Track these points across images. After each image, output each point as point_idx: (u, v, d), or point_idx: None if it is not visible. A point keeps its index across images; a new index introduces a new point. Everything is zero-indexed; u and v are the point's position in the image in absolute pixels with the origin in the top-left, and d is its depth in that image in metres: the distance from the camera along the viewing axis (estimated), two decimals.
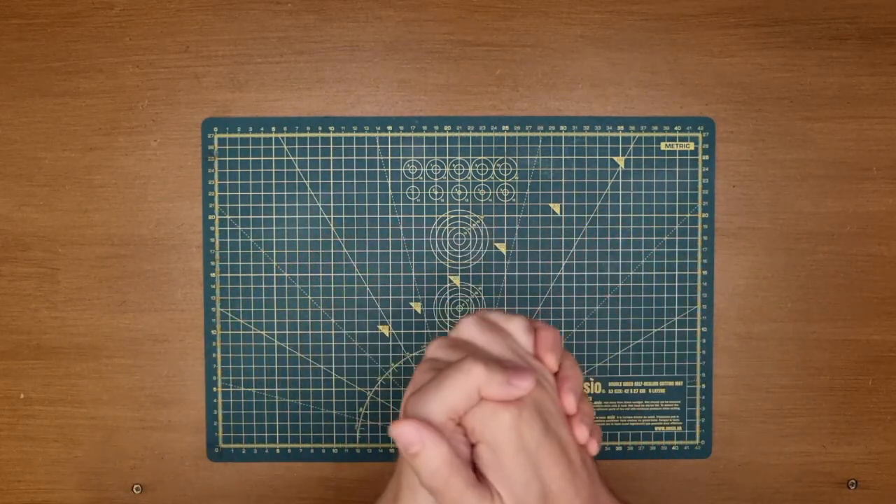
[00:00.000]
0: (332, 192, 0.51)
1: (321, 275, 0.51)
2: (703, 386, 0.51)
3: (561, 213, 0.51)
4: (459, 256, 0.51)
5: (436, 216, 0.51)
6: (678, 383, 0.51)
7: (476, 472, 0.30)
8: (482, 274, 0.51)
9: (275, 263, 0.51)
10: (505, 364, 0.30)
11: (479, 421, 0.29)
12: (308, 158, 0.51)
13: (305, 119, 0.51)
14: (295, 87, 0.51)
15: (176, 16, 0.50)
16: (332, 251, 0.51)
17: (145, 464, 0.51)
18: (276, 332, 0.51)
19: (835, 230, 0.51)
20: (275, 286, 0.51)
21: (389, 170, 0.51)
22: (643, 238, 0.51)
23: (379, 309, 0.51)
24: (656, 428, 0.52)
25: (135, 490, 0.51)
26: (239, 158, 0.51)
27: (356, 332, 0.51)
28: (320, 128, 0.51)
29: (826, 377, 0.52)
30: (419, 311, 0.51)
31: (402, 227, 0.51)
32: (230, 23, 0.50)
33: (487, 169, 0.51)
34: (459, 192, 0.51)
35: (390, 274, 0.51)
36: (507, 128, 0.51)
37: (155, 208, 0.51)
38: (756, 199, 0.51)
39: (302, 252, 0.51)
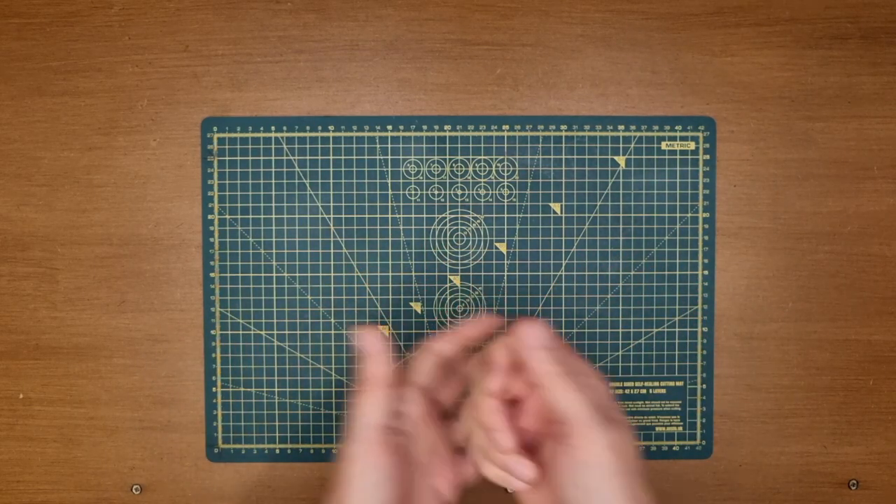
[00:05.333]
0: (332, 192, 0.51)
1: (321, 275, 0.51)
2: (704, 386, 0.51)
3: (561, 212, 0.51)
4: (459, 256, 0.51)
5: (436, 216, 0.51)
6: (679, 383, 0.51)
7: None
8: (482, 274, 0.51)
9: (274, 263, 0.51)
10: None
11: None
12: (308, 158, 0.51)
13: (305, 118, 0.50)
14: (295, 86, 0.50)
15: (175, 15, 0.50)
16: (331, 251, 0.51)
17: (144, 464, 0.51)
18: (275, 332, 0.51)
19: (836, 230, 0.51)
20: (274, 286, 0.51)
21: (389, 169, 0.51)
22: (643, 238, 0.51)
23: (379, 309, 0.51)
24: (657, 428, 0.52)
25: (134, 490, 0.51)
26: (238, 158, 0.50)
27: (356, 332, 0.51)
28: (320, 127, 0.50)
29: (827, 377, 0.52)
30: (419, 311, 0.51)
31: (402, 227, 0.51)
32: (230, 22, 0.50)
33: (487, 168, 0.51)
34: (459, 192, 0.51)
35: (390, 274, 0.51)
36: (507, 127, 0.51)
37: (154, 208, 0.51)
38: (757, 198, 0.51)
39: (302, 252, 0.51)
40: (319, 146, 0.51)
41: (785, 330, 0.51)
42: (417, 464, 0.36)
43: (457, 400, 0.40)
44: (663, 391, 0.51)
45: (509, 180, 0.51)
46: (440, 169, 0.51)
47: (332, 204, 0.51)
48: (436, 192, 0.51)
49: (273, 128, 0.50)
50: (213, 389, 0.51)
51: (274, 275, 0.51)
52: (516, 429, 0.34)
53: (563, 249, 0.51)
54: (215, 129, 0.50)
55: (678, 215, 0.51)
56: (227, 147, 0.50)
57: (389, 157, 0.51)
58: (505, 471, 0.33)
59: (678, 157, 0.51)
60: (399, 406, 0.36)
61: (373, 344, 0.34)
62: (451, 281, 0.51)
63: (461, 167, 0.51)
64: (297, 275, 0.51)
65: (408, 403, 0.37)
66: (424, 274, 0.51)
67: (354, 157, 0.51)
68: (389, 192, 0.51)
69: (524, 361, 0.33)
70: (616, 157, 0.51)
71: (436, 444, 0.37)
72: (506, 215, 0.51)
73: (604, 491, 0.30)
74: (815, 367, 0.52)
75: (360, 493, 0.33)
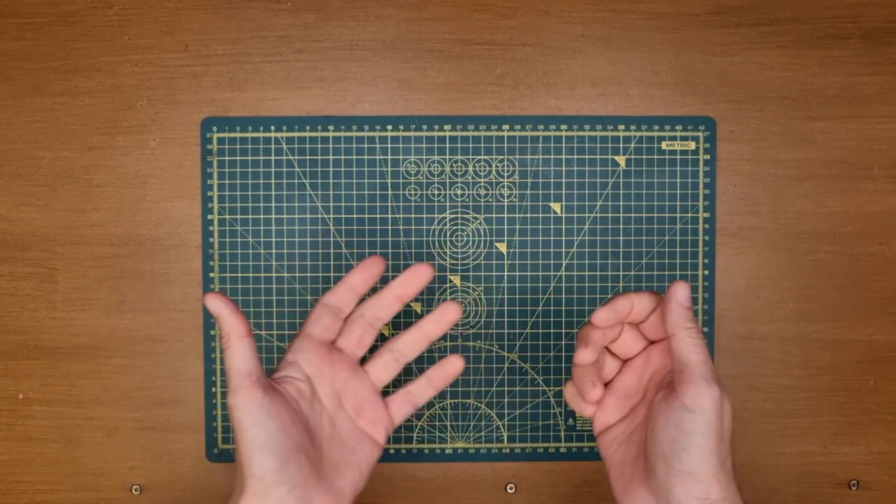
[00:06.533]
0: (331, 192, 0.51)
1: (321, 275, 0.51)
2: None
3: (561, 212, 0.51)
4: (459, 256, 0.51)
5: (436, 216, 0.51)
6: None
7: None
8: (482, 274, 0.51)
9: (274, 263, 0.51)
10: None
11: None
12: (308, 158, 0.51)
13: (305, 118, 0.50)
14: (294, 86, 0.50)
15: (175, 15, 0.50)
16: (331, 251, 0.51)
17: (144, 464, 0.51)
18: (275, 332, 0.51)
19: (836, 230, 0.51)
20: (274, 286, 0.51)
21: (389, 169, 0.51)
22: (644, 238, 0.51)
23: None
24: None
25: (133, 491, 0.51)
26: (238, 158, 0.50)
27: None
28: (320, 127, 0.50)
29: (827, 377, 0.52)
30: (419, 311, 0.51)
31: (402, 227, 0.51)
32: (229, 22, 0.50)
33: (488, 168, 0.51)
34: (459, 192, 0.51)
35: (390, 274, 0.51)
36: (507, 127, 0.51)
37: (154, 208, 0.51)
38: (757, 198, 0.51)
39: (301, 252, 0.51)
40: (319, 146, 0.50)
41: (785, 330, 0.51)
42: (323, 408, 0.39)
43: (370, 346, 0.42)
44: None
45: (509, 180, 0.51)
46: (440, 169, 0.51)
47: (332, 204, 0.51)
48: (436, 192, 0.51)
49: (273, 128, 0.50)
50: (213, 389, 0.51)
51: (274, 275, 0.51)
52: (618, 379, 0.39)
53: (563, 249, 0.51)
54: (215, 129, 0.50)
55: (678, 215, 0.51)
56: (226, 147, 0.50)
57: (389, 157, 0.51)
58: (577, 387, 0.38)
59: (678, 157, 0.51)
60: (291, 355, 0.39)
61: (221, 304, 0.37)
62: (451, 281, 0.51)
63: (461, 167, 0.51)
64: (297, 275, 0.51)
65: (300, 352, 0.39)
66: None
67: (354, 157, 0.51)
68: (389, 192, 0.51)
69: (652, 317, 0.37)
70: (616, 157, 0.51)
71: (350, 389, 0.40)
72: (506, 215, 0.51)
73: (697, 436, 0.34)
74: (816, 367, 0.51)
75: (250, 434, 0.35)
